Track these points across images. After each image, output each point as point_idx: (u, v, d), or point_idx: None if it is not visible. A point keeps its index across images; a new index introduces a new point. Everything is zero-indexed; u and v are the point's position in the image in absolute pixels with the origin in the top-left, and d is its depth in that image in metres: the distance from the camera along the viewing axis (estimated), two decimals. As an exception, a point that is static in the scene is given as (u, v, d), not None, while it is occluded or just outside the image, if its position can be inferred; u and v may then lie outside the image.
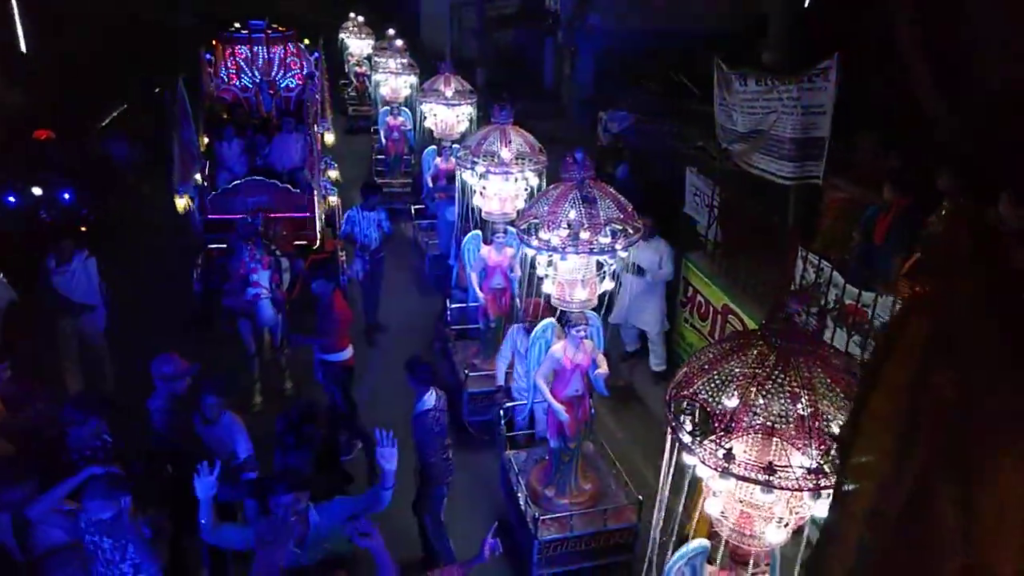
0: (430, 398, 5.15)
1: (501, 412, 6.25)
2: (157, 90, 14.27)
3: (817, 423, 2.69)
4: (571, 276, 5.22)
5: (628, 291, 7.46)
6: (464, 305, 7.96)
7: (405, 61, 13.04)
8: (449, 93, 9.65)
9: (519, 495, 5.67)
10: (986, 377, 1.83)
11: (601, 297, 5.46)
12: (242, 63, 11.22)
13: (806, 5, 10.44)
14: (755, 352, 2.79)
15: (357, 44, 17.98)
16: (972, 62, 5.65)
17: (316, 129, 9.89)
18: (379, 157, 13.31)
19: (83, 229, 7.64)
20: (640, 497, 5.38)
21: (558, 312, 5.57)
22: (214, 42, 11.61)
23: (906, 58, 5.93)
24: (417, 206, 11.24)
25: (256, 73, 11.30)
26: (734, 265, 7.07)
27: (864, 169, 6.12)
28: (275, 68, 11.60)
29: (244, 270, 6.88)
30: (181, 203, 8.76)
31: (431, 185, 10.39)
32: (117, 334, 7.51)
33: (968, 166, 5.00)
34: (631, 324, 7.75)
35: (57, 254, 6.93)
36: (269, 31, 11.58)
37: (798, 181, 6.08)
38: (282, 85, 11.45)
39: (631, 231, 5.10)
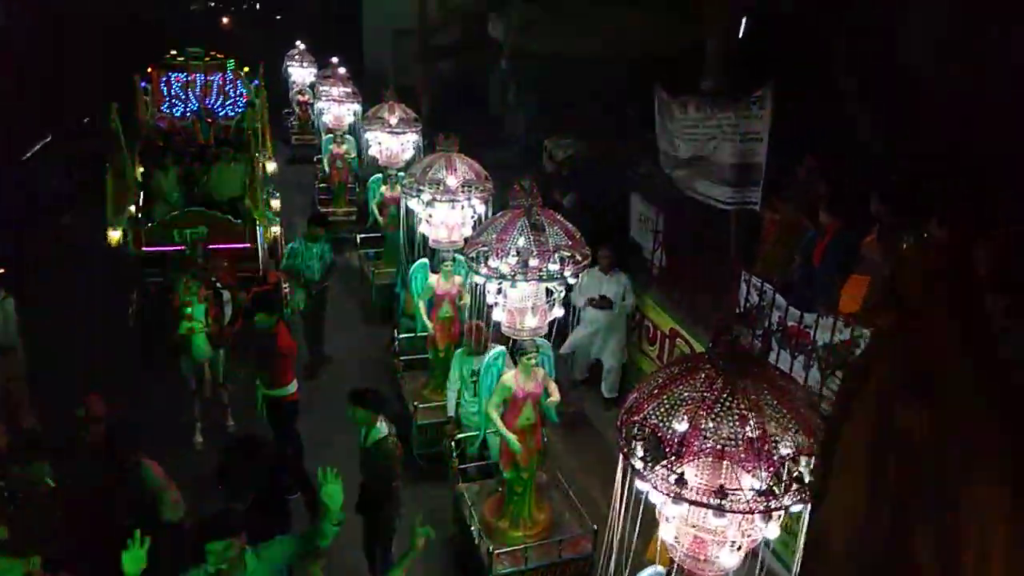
0: (383, 425, 5.03)
1: (452, 444, 6.15)
2: (87, 119, 13.83)
3: (766, 445, 2.69)
4: (521, 304, 5.19)
5: (588, 325, 7.55)
6: (412, 335, 7.86)
7: (348, 89, 12.97)
8: (393, 121, 9.61)
9: (472, 528, 5.57)
10: (955, 413, 1.85)
11: (551, 324, 5.45)
12: (179, 91, 11.00)
13: (740, 35, 10.81)
14: (702, 376, 2.79)
15: (300, 72, 17.80)
16: (901, 91, 5.88)
17: (257, 157, 9.72)
18: (322, 186, 13.15)
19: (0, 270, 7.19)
20: (595, 526, 5.35)
21: (509, 341, 5.53)
22: (149, 69, 11.38)
23: (839, 84, 6.14)
24: (363, 234, 11.11)
25: (193, 101, 11.09)
26: (680, 289, 7.17)
27: (800, 194, 6.29)
28: (213, 96, 11.42)
29: (177, 303, 6.66)
30: (115, 236, 8.46)
31: (377, 213, 10.29)
32: (42, 376, 7.10)
33: (899, 189, 5.17)
34: (593, 356, 7.76)
35: None
36: (207, 59, 11.41)
37: (738, 206, 6.21)
38: (220, 113, 11.25)
39: (579, 258, 5.11)
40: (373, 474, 5.10)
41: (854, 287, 5.28)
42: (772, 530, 2.87)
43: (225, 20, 44.47)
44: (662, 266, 7.67)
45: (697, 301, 6.84)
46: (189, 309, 6.67)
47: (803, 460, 2.81)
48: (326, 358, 8.60)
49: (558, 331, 6.40)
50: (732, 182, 6.08)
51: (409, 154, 9.91)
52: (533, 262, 4.94)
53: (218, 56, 11.88)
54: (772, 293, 5.65)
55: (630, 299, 7.49)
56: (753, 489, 2.70)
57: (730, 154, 6.01)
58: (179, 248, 7.40)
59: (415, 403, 7.01)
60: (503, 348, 5.69)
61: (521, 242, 4.98)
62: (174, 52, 11.74)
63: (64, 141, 13.59)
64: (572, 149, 10.60)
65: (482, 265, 5.04)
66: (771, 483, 2.70)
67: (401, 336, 7.90)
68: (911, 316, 2.03)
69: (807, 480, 2.80)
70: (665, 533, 3.05)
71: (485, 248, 5.09)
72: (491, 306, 5.33)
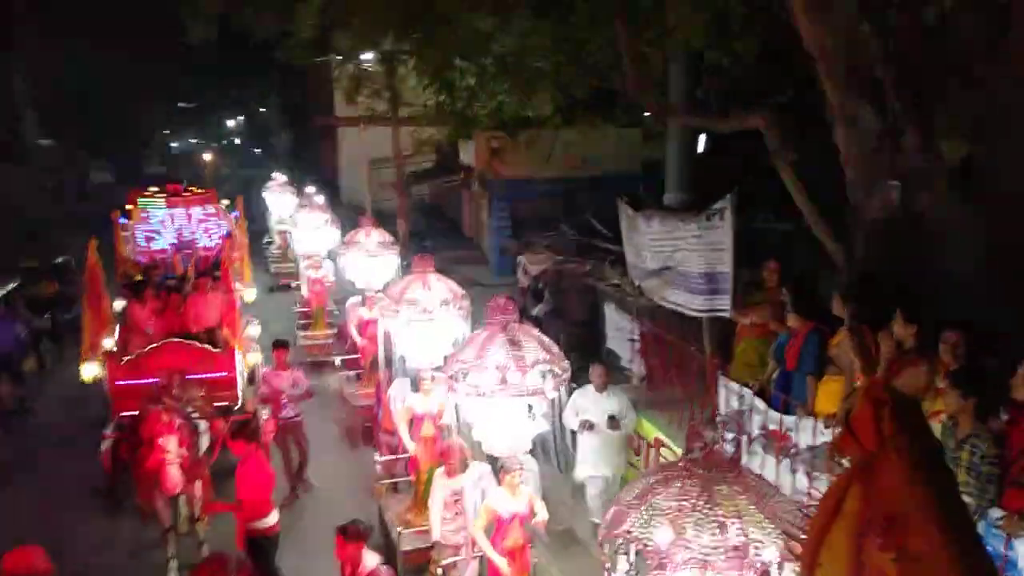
0: (371, 557, 4.89)
1: (440, 571, 5.94)
2: (59, 260, 14.47)
3: (748, 550, 2.69)
4: (503, 420, 5.18)
5: (587, 445, 7.15)
6: (395, 457, 7.73)
7: (325, 216, 13.33)
8: (370, 244, 9.84)
9: (462, 659, 5.31)
10: (922, 548, 1.85)
11: (534, 440, 5.42)
12: (158, 225, 11.24)
13: (700, 150, 11.44)
14: (679, 484, 2.81)
15: (279, 202, 18.25)
16: (851, 196, 6.19)
17: (236, 287, 9.84)
18: (302, 310, 13.26)
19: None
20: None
21: (496, 460, 5.48)
22: (129, 205, 11.66)
23: (792, 194, 6.46)
24: (343, 357, 11.10)
25: (173, 234, 11.31)
26: (660, 397, 7.21)
27: (767, 298, 6.48)
28: (192, 228, 11.66)
29: (150, 434, 6.54)
30: (90, 372, 8.39)
31: (357, 336, 10.34)
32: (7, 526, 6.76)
33: (859, 291, 5.36)
34: (596, 475, 7.37)
35: None
36: (187, 193, 11.74)
37: (708, 314, 6.37)
38: (200, 244, 11.46)
39: (559, 371, 5.17)
40: None
41: (829, 387, 5.38)
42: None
43: (206, 154, 45.87)
44: (641, 375, 7.74)
45: (678, 409, 6.87)
46: (161, 440, 6.54)
47: (787, 566, 2.80)
48: (307, 485, 8.37)
49: (545, 449, 6.36)
50: (701, 291, 6.26)
51: (386, 276, 10.10)
52: (512, 377, 4.98)
53: (196, 191, 12.25)
54: (750, 397, 5.71)
55: (632, 416, 7.11)
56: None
57: (697, 264, 6.23)
58: (156, 381, 7.33)
59: (399, 528, 6.81)
60: (487, 466, 5.62)
61: (499, 358, 5.03)
62: (154, 188, 12.09)
63: (35, 283, 13.75)
64: (545, 264, 10.88)
65: (461, 382, 5.06)
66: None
67: (382, 459, 7.76)
68: (868, 455, 2.08)
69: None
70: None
71: (464, 365, 5.13)
72: (471, 424, 5.32)
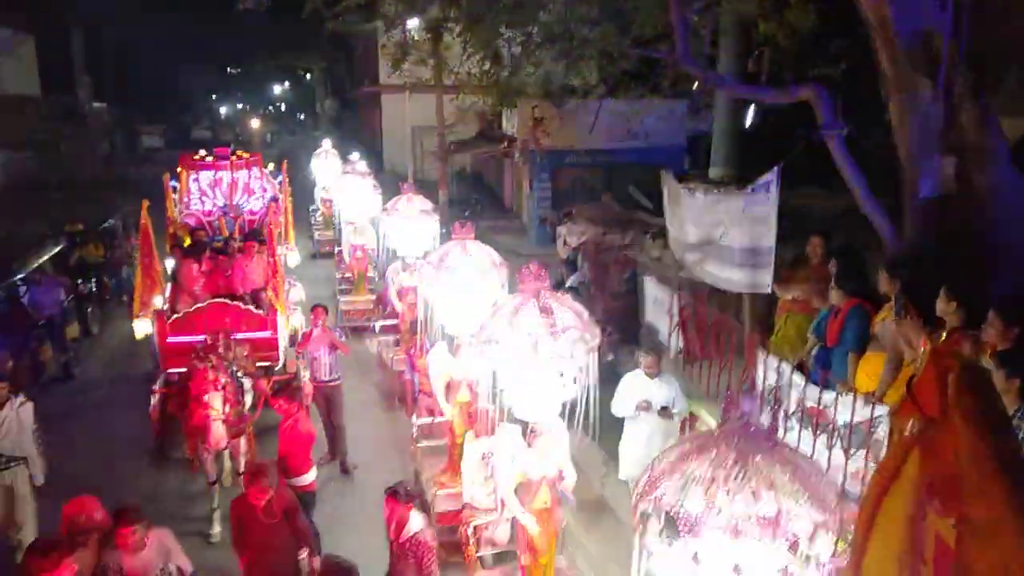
0: (417, 519, 5.03)
1: (471, 531, 6.06)
2: (106, 224, 14.46)
3: (780, 520, 2.69)
4: (533, 385, 5.22)
5: (635, 436, 6.88)
6: (431, 420, 7.87)
7: (368, 182, 13.45)
8: (411, 211, 9.92)
9: (491, 617, 5.44)
10: (985, 514, 1.80)
11: (564, 405, 5.45)
12: (206, 188, 11.47)
13: (747, 123, 11.21)
14: (714, 453, 2.82)
15: (325, 168, 18.39)
16: (902, 173, 6.05)
17: (280, 251, 10.03)
18: (343, 276, 13.46)
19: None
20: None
21: (524, 423, 5.54)
22: (179, 168, 11.93)
23: (841, 169, 6.33)
24: (382, 323, 11.27)
25: (220, 197, 11.54)
26: (698, 372, 7.18)
27: (810, 274, 6.39)
28: (239, 192, 11.88)
29: (197, 391, 6.74)
30: (141, 329, 8.67)
31: (397, 302, 10.48)
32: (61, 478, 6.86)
33: (907, 268, 5.26)
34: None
35: None
36: (234, 157, 11.94)
37: (749, 289, 6.30)
38: (245, 208, 11.67)
39: (590, 339, 5.17)
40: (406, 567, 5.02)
41: (870, 365, 5.30)
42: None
43: (253, 121, 46.49)
44: (679, 349, 7.71)
45: (715, 383, 6.84)
46: (207, 397, 6.75)
47: (820, 537, 2.80)
48: (344, 449, 8.57)
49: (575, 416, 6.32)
50: (743, 265, 6.19)
51: (426, 243, 10.18)
52: (543, 344, 5.00)
53: (243, 155, 12.46)
54: (789, 373, 5.66)
55: (683, 405, 6.71)
56: (769, 565, 2.68)
57: (739, 238, 6.15)
58: (203, 339, 7.55)
59: (434, 490, 6.95)
60: (516, 430, 5.68)
61: (531, 325, 5.05)
62: (203, 152, 12.33)
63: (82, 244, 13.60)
64: (585, 235, 10.83)
65: (493, 348, 5.11)
66: (787, 559, 2.68)
67: (419, 422, 7.90)
68: (931, 421, 2.04)
69: (826, 558, 2.78)
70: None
71: (496, 331, 5.17)
72: (503, 389, 5.36)
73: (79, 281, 12.43)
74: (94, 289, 12.95)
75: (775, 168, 5.86)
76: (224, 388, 6.95)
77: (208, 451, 7.03)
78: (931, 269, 5.20)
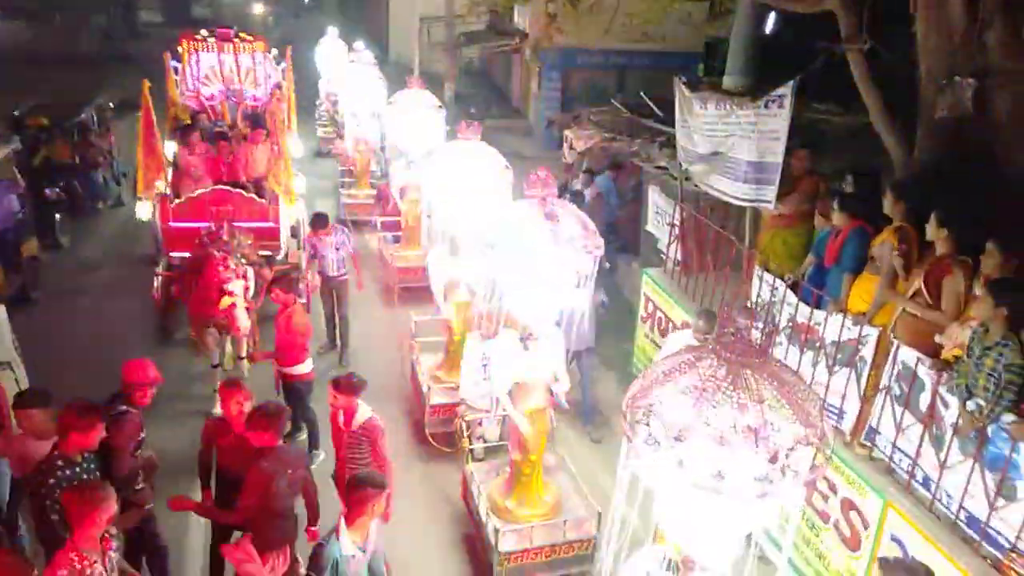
0: (364, 409, 5.21)
1: (464, 425, 6.31)
2: (77, 118, 13.06)
3: (765, 434, 2.81)
4: (533, 289, 5.30)
5: None
6: (430, 318, 8.02)
7: (374, 74, 13.10)
8: (416, 106, 9.72)
9: (480, 506, 5.73)
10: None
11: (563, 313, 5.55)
12: (208, 71, 11.18)
13: (768, 30, 10.81)
14: (706, 364, 2.91)
15: (330, 58, 17.64)
16: (920, 93, 5.92)
17: (283, 138, 9.89)
18: (345, 169, 13.34)
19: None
20: (599, 509, 5.48)
21: (520, 325, 5.65)
22: (180, 48, 11.58)
23: (859, 85, 6.19)
24: (383, 218, 11.27)
25: (222, 81, 11.26)
26: (693, 284, 7.25)
27: (795, 188, 6.35)
28: (241, 77, 11.59)
29: (218, 279, 6.79)
30: (144, 210, 8.67)
31: (399, 198, 10.44)
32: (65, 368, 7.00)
33: (914, 191, 5.24)
34: None
35: None
36: (237, 39, 11.58)
37: (752, 203, 6.29)
38: (248, 94, 11.42)
39: (592, 248, 5.21)
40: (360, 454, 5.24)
41: (863, 286, 5.36)
42: (768, 517, 2.99)
43: (255, 4, 44.62)
44: (677, 259, 7.75)
45: (710, 295, 6.92)
46: (230, 285, 6.81)
47: (801, 450, 2.93)
48: (346, 342, 8.73)
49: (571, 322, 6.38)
50: (748, 179, 6.14)
51: (431, 140, 10.04)
52: (546, 250, 5.04)
53: (247, 37, 12.06)
54: (784, 289, 5.73)
55: None
56: (751, 475, 2.82)
57: (748, 152, 6.07)
58: (206, 225, 7.57)
59: (429, 383, 7.18)
60: (514, 332, 5.81)
61: (535, 230, 5.08)
62: (205, 32, 11.93)
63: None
64: (591, 141, 10.67)
65: (495, 251, 5.15)
66: (768, 470, 2.82)
67: (417, 319, 8.05)
68: None
69: (804, 470, 2.92)
70: (665, 515, 3.18)
71: (499, 235, 5.19)
72: (504, 293, 5.44)
73: (44, 186, 11.04)
74: (63, 195, 11.45)
75: (790, 82, 5.72)
76: (244, 276, 7.01)
77: (212, 334, 7.19)
78: (938, 192, 5.19)
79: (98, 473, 4.31)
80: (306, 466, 4.83)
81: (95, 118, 13.64)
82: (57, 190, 11.31)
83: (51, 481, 4.08)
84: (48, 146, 11.89)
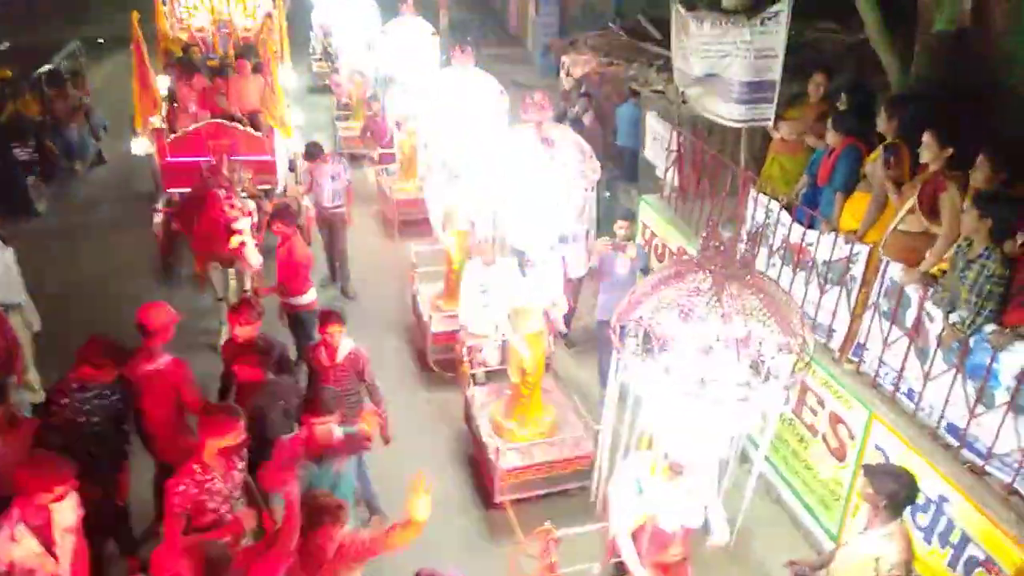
0: (347, 338, 5.37)
1: (465, 350, 6.46)
2: (45, 68, 12.10)
3: (749, 342, 2.94)
4: (530, 214, 5.35)
5: None
6: (429, 247, 8.09)
7: (366, 1, 12.79)
8: (410, 34, 9.56)
9: (481, 427, 5.94)
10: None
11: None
12: (197, 1, 10.97)
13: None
14: (691, 277, 3.01)
15: None
16: (917, 5, 5.83)
17: (275, 69, 9.77)
18: (341, 101, 13.18)
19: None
20: (597, 427, 5.68)
21: (518, 252, 5.74)
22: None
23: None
24: (382, 151, 11.21)
25: (211, 11, 11.05)
26: (691, 209, 7.29)
27: (809, 113, 6.33)
28: (231, 6, 11.36)
29: (224, 218, 6.80)
30: (141, 146, 8.66)
31: (396, 128, 10.37)
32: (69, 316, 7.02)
33: (908, 107, 5.22)
34: None
35: None
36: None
37: (749, 123, 6.26)
38: (239, 24, 11.22)
39: (590, 172, 5.24)
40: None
41: (855, 205, 5.41)
42: (751, 419, 3.15)
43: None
44: (674, 185, 7.77)
45: (707, 219, 6.97)
46: (238, 224, 6.82)
47: (782, 357, 3.06)
48: (347, 274, 8.83)
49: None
50: (745, 100, 6.10)
51: (426, 68, 9.90)
52: (544, 174, 5.08)
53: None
54: (777, 211, 5.78)
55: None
56: (734, 381, 2.96)
57: (744, 72, 6.01)
58: (205, 160, 7.56)
59: (430, 312, 7.32)
60: (514, 259, 5.90)
61: (532, 154, 5.11)
62: (190, -40, 11.64)
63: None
64: (589, 66, 10.52)
65: (492, 175, 5.19)
66: (749, 376, 2.96)
67: (418, 248, 8.13)
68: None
69: (784, 376, 3.06)
70: (653, 424, 3.34)
71: (496, 159, 5.23)
72: (501, 220, 5.51)
73: (12, 146, 10.08)
74: (35, 157, 10.47)
75: (788, -3, 5.63)
76: (250, 212, 7.04)
77: (216, 268, 7.29)
78: (934, 108, 5.18)
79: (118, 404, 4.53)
80: (300, 394, 4.89)
81: (67, 66, 12.69)
82: (28, 150, 10.31)
83: (63, 401, 4.31)
84: (14, 101, 10.76)
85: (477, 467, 6.14)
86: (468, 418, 6.30)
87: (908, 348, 4.64)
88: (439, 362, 7.24)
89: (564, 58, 11.64)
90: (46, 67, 12.02)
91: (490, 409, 6.10)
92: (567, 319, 7.30)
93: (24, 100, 10.91)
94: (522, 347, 5.59)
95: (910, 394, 4.71)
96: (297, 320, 6.80)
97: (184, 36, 11.06)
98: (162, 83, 9.72)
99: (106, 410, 4.48)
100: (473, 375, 6.54)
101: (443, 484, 6.03)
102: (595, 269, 6.52)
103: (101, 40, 14.73)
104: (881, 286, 4.85)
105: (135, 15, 8.65)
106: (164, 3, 11.02)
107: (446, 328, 7.19)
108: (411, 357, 7.63)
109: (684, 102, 7.36)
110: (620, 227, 6.83)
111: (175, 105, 9.50)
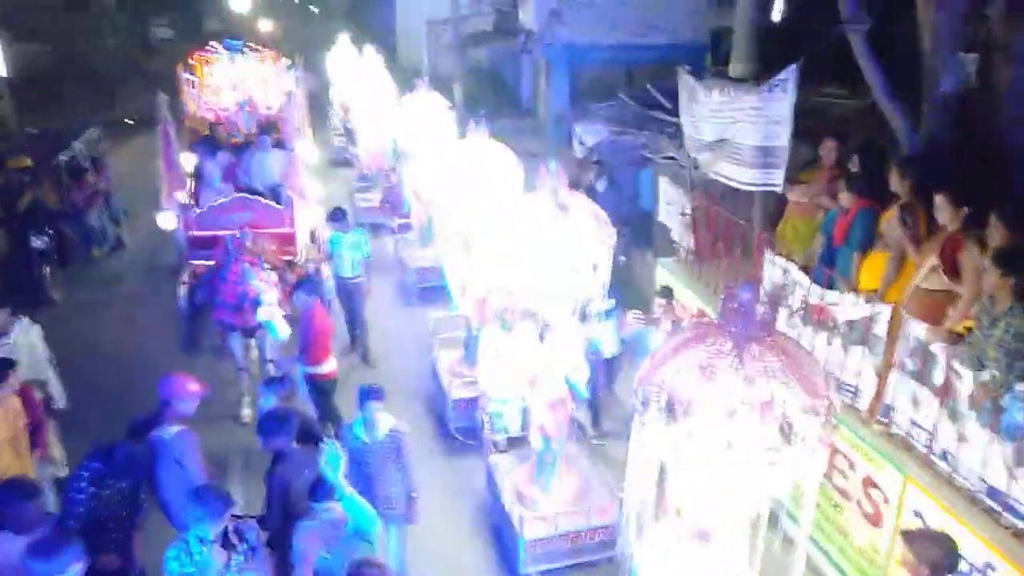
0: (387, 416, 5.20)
1: (486, 417, 6.42)
2: (65, 157, 12.34)
3: (772, 405, 2.91)
4: (547, 279, 5.40)
5: None
6: (448, 314, 8.15)
7: (384, 79, 13.26)
8: (426, 109, 9.86)
9: (504, 496, 5.85)
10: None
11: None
12: (222, 82, 11.41)
13: (773, 17, 10.84)
14: (712, 339, 3.01)
15: (341, 65, 17.59)
16: (923, 69, 5.96)
17: (297, 144, 10.07)
18: (360, 173, 13.51)
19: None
20: (621, 494, 5.57)
21: (537, 316, 5.77)
22: (192, 60, 11.83)
23: (860, 64, 6.23)
24: (400, 220, 11.42)
25: (236, 92, 11.48)
26: (707, 270, 7.32)
27: (821, 177, 6.40)
28: (254, 86, 11.81)
29: (252, 291, 6.91)
30: (167, 220, 8.87)
31: (413, 200, 10.57)
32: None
33: (920, 168, 5.28)
34: None
35: None
36: (247, 50, 11.82)
37: (761, 187, 6.34)
38: (262, 103, 11.63)
39: (606, 238, 5.31)
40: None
41: (873, 264, 5.42)
42: (779, 486, 3.09)
43: (265, 15, 45.08)
44: (690, 248, 7.82)
45: (724, 282, 6.98)
46: (265, 296, 6.95)
47: (809, 420, 3.03)
48: (365, 343, 8.87)
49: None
50: (755, 164, 6.20)
51: (442, 141, 10.16)
52: (559, 241, 5.15)
53: (257, 48, 12.30)
54: (795, 272, 5.79)
55: None
56: (759, 444, 2.93)
57: (753, 137, 6.13)
58: (229, 233, 7.72)
59: (450, 379, 7.31)
60: (533, 324, 5.92)
61: (547, 222, 5.19)
62: (214, 44, 12.18)
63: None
64: (601, 135, 10.76)
65: (510, 245, 5.26)
66: (776, 440, 2.92)
67: (435, 316, 8.18)
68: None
69: (812, 439, 3.01)
70: (677, 488, 3.28)
71: (513, 228, 5.31)
72: (519, 286, 5.56)
73: (31, 234, 9.94)
74: (52, 243, 10.34)
75: (793, 65, 5.77)
76: (276, 284, 7.16)
77: (238, 338, 7.37)
78: (944, 167, 5.23)
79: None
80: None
81: (86, 154, 12.76)
82: (45, 238, 10.15)
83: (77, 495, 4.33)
84: (34, 189, 10.62)
85: (501, 537, 6.02)
86: (491, 486, 6.21)
87: (938, 408, 4.56)
88: (461, 429, 7.19)
89: (576, 128, 11.91)
90: (66, 156, 12.20)
91: (512, 477, 6.01)
92: (594, 401, 7.24)
93: (43, 188, 10.94)
94: (543, 413, 5.55)
95: (945, 455, 4.59)
96: (318, 389, 6.80)
97: (209, 115, 11.47)
98: (188, 160, 10.03)
99: (121, 492, 4.48)
100: (495, 442, 6.47)
101: (467, 555, 5.91)
102: (628, 344, 6.48)
103: (131, 121, 15.28)
104: (906, 345, 4.80)
105: (163, 97, 9.00)
106: (190, 85, 11.47)
107: (466, 395, 7.16)
108: (432, 424, 7.59)
109: (696, 167, 7.49)
110: (659, 305, 6.64)
111: (200, 181, 9.78)
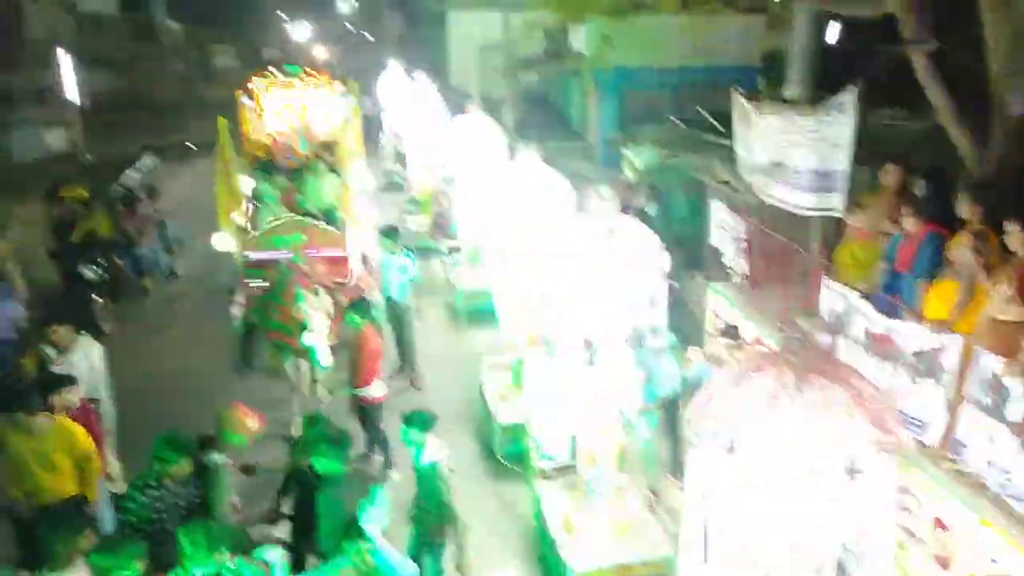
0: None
1: (534, 443, 6.33)
2: (120, 187, 12.58)
3: (836, 438, 2.78)
4: (597, 304, 5.33)
5: None
6: (497, 337, 8.10)
7: (436, 101, 13.44)
8: (477, 132, 9.94)
9: (551, 524, 5.74)
10: None
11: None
12: (279, 107, 11.72)
13: (828, 39, 10.64)
14: (772, 370, 2.90)
15: (392, 91, 17.89)
16: (990, 91, 5.74)
17: (350, 168, 10.24)
18: (410, 197, 13.67)
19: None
20: (675, 528, 5.41)
21: (586, 342, 5.68)
22: (251, 86, 12.20)
23: (924, 86, 6.04)
24: (450, 243, 11.48)
25: (292, 116, 11.78)
26: (762, 295, 7.13)
27: (882, 202, 6.19)
28: (310, 112, 12.11)
29: (300, 316, 7.04)
30: (223, 242, 9.09)
31: (463, 224, 10.61)
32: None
33: (989, 192, 5.07)
34: None
35: (55, 343, 6.06)
36: (303, 76, 12.14)
37: (819, 212, 6.17)
38: (317, 128, 11.90)
39: (655, 263, 5.23)
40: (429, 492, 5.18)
41: (941, 292, 5.19)
42: (844, 528, 2.94)
43: (321, 43, 46.43)
44: (744, 273, 7.64)
45: (780, 309, 6.79)
46: (314, 322, 7.05)
47: (871, 454, 2.88)
48: (414, 365, 8.91)
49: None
50: (813, 188, 6.03)
51: (493, 164, 10.21)
52: (608, 266, 5.09)
53: (312, 74, 12.64)
54: (855, 299, 5.58)
55: None
56: (825, 478, 2.79)
57: (811, 161, 5.97)
58: (285, 255, 7.85)
59: (498, 403, 7.25)
60: (582, 350, 5.83)
61: (598, 247, 5.13)
62: (272, 70, 12.55)
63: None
64: (652, 158, 10.67)
65: (557, 268, 5.22)
66: (841, 474, 2.78)
67: (484, 339, 8.14)
68: None
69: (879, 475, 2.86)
70: (734, 522, 3.15)
71: (561, 251, 5.27)
72: (568, 310, 5.49)
73: (82, 266, 9.87)
74: (104, 274, 10.20)
75: (852, 87, 5.62)
76: (326, 310, 7.27)
77: (290, 360, 7.45)
78: (1015, 193, 5.01)
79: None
80: None
81: (141, 183, 12.80)
82: (97, 269, 10.05)
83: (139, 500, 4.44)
84: (87, 220, 10.50)
85: (547, 567, 5.90)
86: (538, 515, 6.11)
87: (1016, 445, 4.30)
88: (507, 455, 7.11)
89: (626, 151, 11.85)
90: (120, 187, 12.25)
91: (560, 505, 5.90)
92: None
93: (97, 218, 10.78)
94: (592, 441, 5.45)
95: (1021, 496, 4.33)
96: (365, 412, 6.83)
97: (267, 139, 11.78)
98: (246, 184, 10.28)
99: (178, 506, 4.56)
100: (543, 469, 6.38)
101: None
102: (689, 383, 6.30)
103: (192, 146, 15.81)
104: (977, 378, 4.56)
105: (223, 122, 9.27)
106: (249, 110, 11.82)
107: (514, 420, 7.09)
108: (479, 449, 7.53)
109: (750, 190, 7.34)
110: (725, 346, 6.47)
111: (257, 204, 10.00)
